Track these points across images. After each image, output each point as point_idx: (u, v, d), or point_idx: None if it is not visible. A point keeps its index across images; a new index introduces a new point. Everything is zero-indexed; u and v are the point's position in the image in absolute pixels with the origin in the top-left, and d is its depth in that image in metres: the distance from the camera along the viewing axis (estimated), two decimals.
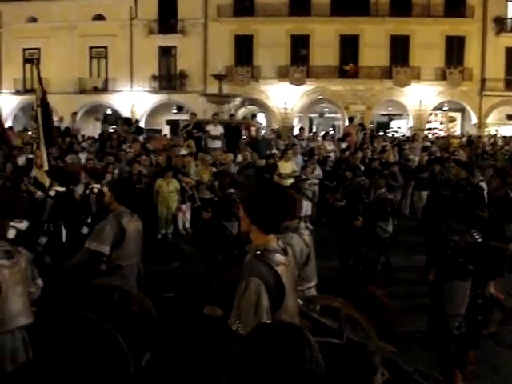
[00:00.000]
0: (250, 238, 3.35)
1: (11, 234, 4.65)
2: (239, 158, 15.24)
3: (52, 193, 8.14)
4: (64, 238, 7.79)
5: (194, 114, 19.73)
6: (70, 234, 7.95)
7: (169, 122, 31.72)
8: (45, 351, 4.56)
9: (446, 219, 6.70)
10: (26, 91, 38.48)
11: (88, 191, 9.55)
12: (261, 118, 36.40)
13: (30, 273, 4.36)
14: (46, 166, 9.58)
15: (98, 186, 9.49)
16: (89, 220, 8.86)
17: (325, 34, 34.87)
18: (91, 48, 38.11)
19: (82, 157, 14.60)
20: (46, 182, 9.13)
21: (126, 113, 35.27)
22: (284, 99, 36.32)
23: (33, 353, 4.35)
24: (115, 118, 31.19)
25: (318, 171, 14.40)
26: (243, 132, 18.85)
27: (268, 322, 2.85)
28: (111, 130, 19.75)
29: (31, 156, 12.77)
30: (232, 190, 9.04)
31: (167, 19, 37.03)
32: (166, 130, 31.44)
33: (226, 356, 3.12)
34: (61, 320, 4.90)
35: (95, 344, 4.85)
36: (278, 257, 3.25)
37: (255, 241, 3.33)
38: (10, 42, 38.68)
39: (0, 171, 11.24)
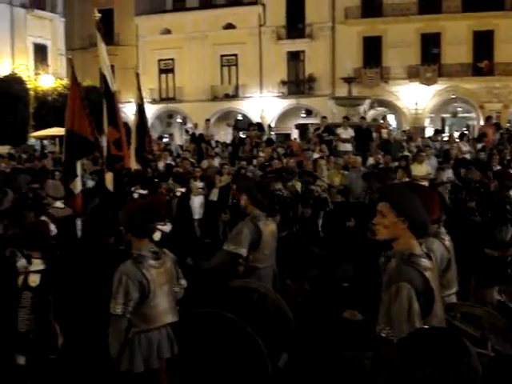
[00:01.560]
0: (392, 244, 3.31)
1: (157, 236, 4.87)
2: (370, 160, 15.03)
3: (135, 195, 8.50)
4: None
5: (324, 118, 19.74)
6: None
7: (298, 126, 31.89)
8: (186, 349, 4.72)
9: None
10: (161, 100, 40.31)
11: (171, 194, 9.82)
12: (391, 119, 35.71)
13: (175, 273, 4.55)
14: (133, 165, 9.93)
15: (183, 189, 9.75)
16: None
17: (457, 31, 33.60)
18: (222, 56, 39.24)
19: (216, 162, 15.07)
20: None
21: (255, 118, 35.92)
22: (415, 100, 35.40)
23: (177, 350, 4.53)
24: (246, 123, 31.85)
25: (451, 174, 13.86)
26: (374, 134, 18.60)
27: (423, 327, 2.80)
28: (242, 136, 20.22)
29: (170, 162, 13.36)
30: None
31: (295, 24, 37.37)
32: (295, 134, 31.64)
33: (374, 361, 3.09)
34: (202, 320, 5.06)
35: (234, 344, 4.96)
36: (425, 261, 3.19)
37: (399, 246, 3.29)
38: (146, 54, 40.65)
39: None
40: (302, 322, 5.89)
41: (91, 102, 10.29)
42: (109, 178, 8.00)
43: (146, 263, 4.24)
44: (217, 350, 4.95)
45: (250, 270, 5.82)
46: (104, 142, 8.66)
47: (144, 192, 8.93)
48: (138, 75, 11.87)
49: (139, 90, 11.23)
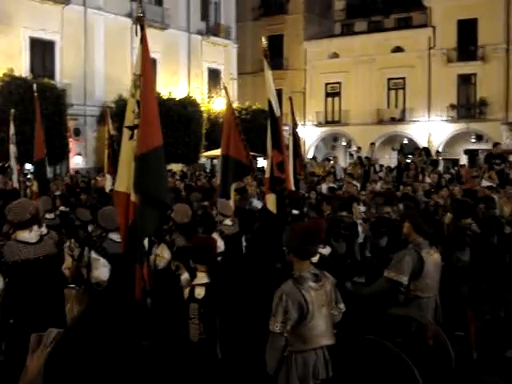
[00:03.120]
0: None
1: (315, 258, 4.95)
2: None
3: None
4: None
5: (497, 144, 18.77)
6: None
7: (467, 152, 30.74)
8: (341, 374, 4.72)
9: None
10: (326, 123, 40.78)
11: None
12: None
13: (334, 296, 4.59)
14: (290, 187, 10.02)
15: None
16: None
17: None
18: (389, 79, 38.98)
19: (379, 186, 14.94)
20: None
21: (422, 142, 35.15)
22: None
23: (332, 372, 4.55)
24: (411, 147, 31.26)
25: None
26: None
27: None
28: (408, 161, 19.86)
29: (333, 185, 13.45)
30: (344, 213, 9.12)
31: (466, 46, 36.21)
32: (464, 159, 30.51)
33: None
34: (359, 345, 5.05)
35: (390, 374, 4.89)
36: None
37: None
38: (313, 78, 41.40)
39: (307, 198, 12.01)
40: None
41: (259, 124, 10.68)
42: (271, 199, 8.20)
43: (306, 284, 4.32)
44: (372, 378, 4.91)
45: (410, 299, 5.70)
46: (265, 164, 8.95)
47: (296, 212, 9.13)
48: (291, 99, 12.21)
49: (293, 113, 11.57)
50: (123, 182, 5.36)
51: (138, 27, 5.31)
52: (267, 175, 8.50)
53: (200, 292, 5.08)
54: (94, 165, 28.75)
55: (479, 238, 8.21)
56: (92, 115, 30.02)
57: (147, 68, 5.31)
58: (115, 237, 5.92)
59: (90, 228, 8.02)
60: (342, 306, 4.67)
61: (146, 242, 5.27)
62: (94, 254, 5.87)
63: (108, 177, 12.34)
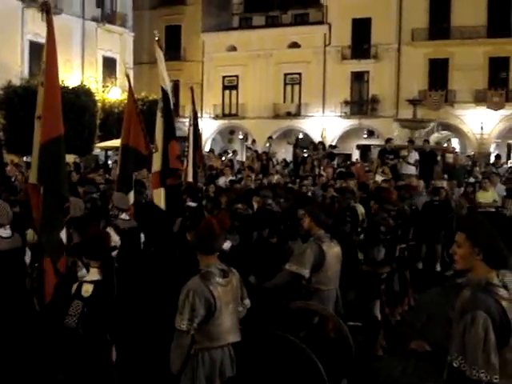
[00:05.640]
0: (471, 272, 3.22)
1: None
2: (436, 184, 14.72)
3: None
4: None
5: (390, 139, 19.38)
6: None
7: (359, 147, 31.71)
8: (245, 370, 4.66)
9: None
10: (223, 116, 40.77)
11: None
12: (454, 143, 35.12)
13: (240, 292, 4.51)
14: (189, 179, 10.07)
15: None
16: None
17: None
18: (286, 74, 39.56)
19: (275, 179, 15.05)
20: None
21: (316, 137, 35.88)
22: (480, 124, 34.67)
23: (236, 370, 4.47)
24: (306, 142, 31.82)
25: None
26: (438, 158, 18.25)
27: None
28: (305, 155, 20.18)
29: (232, 178, 13.41)
30: (239, 206, 9.29)
31: (360, 45, 37.37)
32: (356, 154, 31.44)
33: None
34: (261, 340, 4.99)
35: (293, 367, 4.87)
36: (502, 291, 3.09)
37: (474, 276, 3.20)
38: (211, 70, 41.24)
39: (205, 191, 11.89)
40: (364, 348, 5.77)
41: (155, 115, 10.38)
42: (160, 194, 8.00)
43: (213, 280, 4.19)
44: (275, 372, 4.88)
45: (312, 291, 5.73)
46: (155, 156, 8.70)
47: (194, 205, 9.03)
48: (192, 90, 11.96)
49: (193, 104, 11.39)
50: (34, 173, 5.08)
51: (44, 13, 5.08)
52: (157, 169, 8.26)
53: (87, 289, 4.80)
54: None
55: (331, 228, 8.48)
56: None
57: (52, 55, 5.07)
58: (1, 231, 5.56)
59: None
60: (247, 301, 4.60)
61: (63, 234, 4.99)
62: None
63: None
